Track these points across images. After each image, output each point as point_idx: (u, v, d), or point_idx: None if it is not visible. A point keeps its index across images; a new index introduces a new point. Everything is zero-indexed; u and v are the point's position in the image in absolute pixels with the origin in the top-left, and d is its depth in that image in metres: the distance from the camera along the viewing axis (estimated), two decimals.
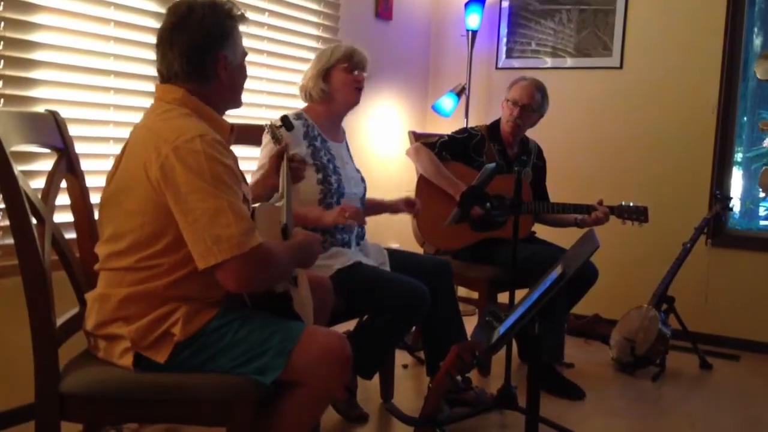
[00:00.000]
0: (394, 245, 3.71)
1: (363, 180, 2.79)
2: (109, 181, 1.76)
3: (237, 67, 1.81)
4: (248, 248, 1.57)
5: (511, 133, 3.32)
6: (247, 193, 1.79)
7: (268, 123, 2.15)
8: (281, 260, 1.72)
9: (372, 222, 2.76)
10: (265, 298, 1.75)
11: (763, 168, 3.40)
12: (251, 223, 1.63)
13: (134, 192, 1.65)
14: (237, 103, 1.88)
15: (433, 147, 3.27)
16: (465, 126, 3.87)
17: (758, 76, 3.39)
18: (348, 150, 2.82)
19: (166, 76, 1.76)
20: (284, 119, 2.22)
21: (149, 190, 1.63)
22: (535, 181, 3.39)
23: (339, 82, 2.61)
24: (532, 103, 3.27)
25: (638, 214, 3.22)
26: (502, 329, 1.84)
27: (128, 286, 1.68)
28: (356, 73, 2.62)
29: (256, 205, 1.89)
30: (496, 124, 3.39)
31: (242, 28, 1.82)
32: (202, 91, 1.76)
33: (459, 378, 2.62)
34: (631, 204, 3.23)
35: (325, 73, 2.60)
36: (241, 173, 1.73)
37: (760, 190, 3.54)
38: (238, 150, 2.79)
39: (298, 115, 2.61)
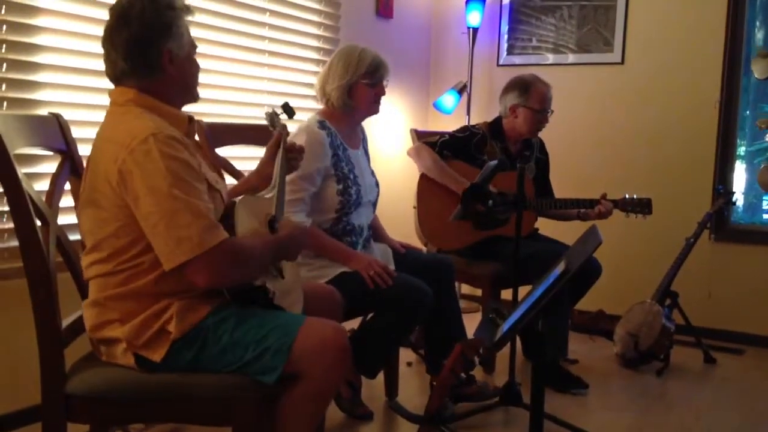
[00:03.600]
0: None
1: (377, 184, 2.80)
2: (81, 194, 1.74)
3: (185, 60, 1.76)
4: (209, 246, 1.57)
5: (532, 135, 3.34)
6: (217, 185, 1.77)
7: (268, 110, 2.06)
8: (253, 254, 1.70)
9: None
10: (243, 291, 1.74)
11: (762, 165, 3.39)
12: (211, 220, 1.61)
13: (102, 201, 1.65)
14: (193, 97, 1.83)
15: (433, 146, 3.27)
16: (466, 124, 3.87)
17: (755, 75, 3.38)
18: (366, 153, 2.81)
19: (113, 77, 1.73)
20: (286, 107, 2.10)
21: (114, 197, 1.62)
22: (539, 176, 3.39)
23: (362, 98, 2.59)
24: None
25: (642, 207, 3.20)
26: (505, 326, 1.84)
27: (113, 289, 1.67)
28: (378, 87, 2.60)
29: (238, 198, 1.84)
30: (498, 121, 3.38)
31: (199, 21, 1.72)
32: (152, 87, 1.72)
33: (463, 375, 2.62)
34: (635, 196, 3.21)
35: (349, 89, 2.57)
36: (200, 168, 1.68)
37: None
38: (237, 150, 2.83)
39: (322, 124, 2.57)
